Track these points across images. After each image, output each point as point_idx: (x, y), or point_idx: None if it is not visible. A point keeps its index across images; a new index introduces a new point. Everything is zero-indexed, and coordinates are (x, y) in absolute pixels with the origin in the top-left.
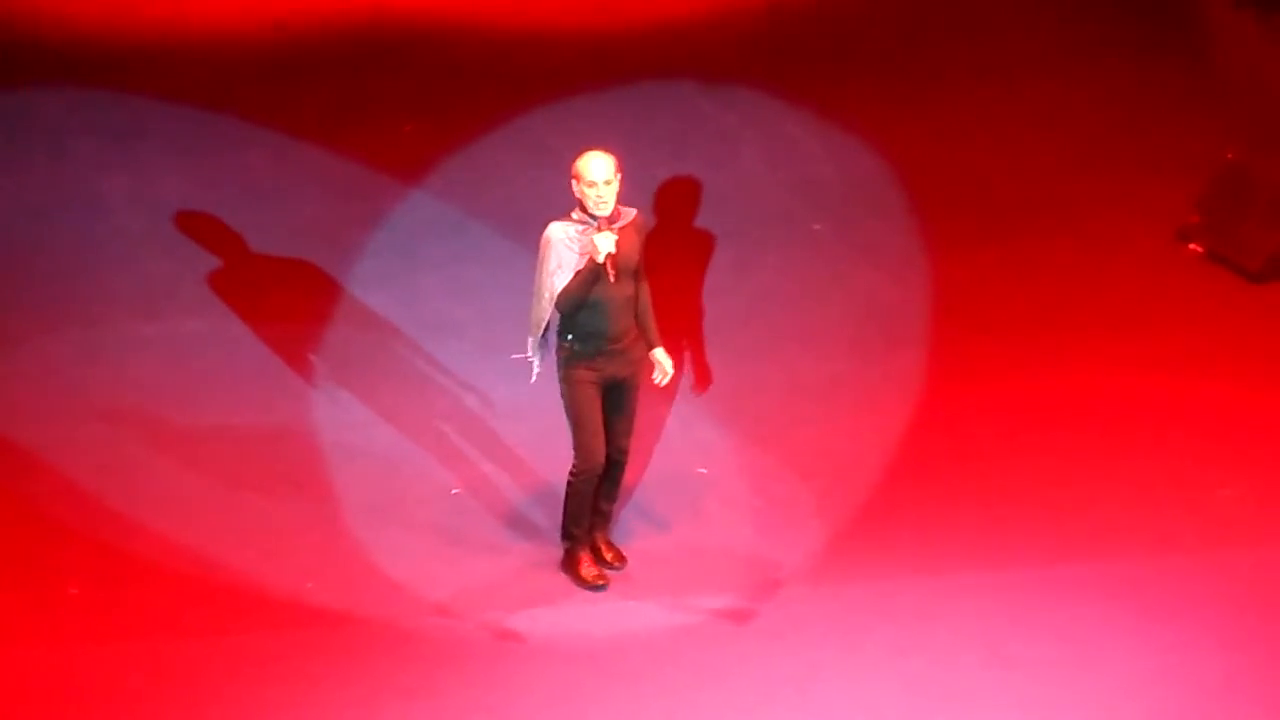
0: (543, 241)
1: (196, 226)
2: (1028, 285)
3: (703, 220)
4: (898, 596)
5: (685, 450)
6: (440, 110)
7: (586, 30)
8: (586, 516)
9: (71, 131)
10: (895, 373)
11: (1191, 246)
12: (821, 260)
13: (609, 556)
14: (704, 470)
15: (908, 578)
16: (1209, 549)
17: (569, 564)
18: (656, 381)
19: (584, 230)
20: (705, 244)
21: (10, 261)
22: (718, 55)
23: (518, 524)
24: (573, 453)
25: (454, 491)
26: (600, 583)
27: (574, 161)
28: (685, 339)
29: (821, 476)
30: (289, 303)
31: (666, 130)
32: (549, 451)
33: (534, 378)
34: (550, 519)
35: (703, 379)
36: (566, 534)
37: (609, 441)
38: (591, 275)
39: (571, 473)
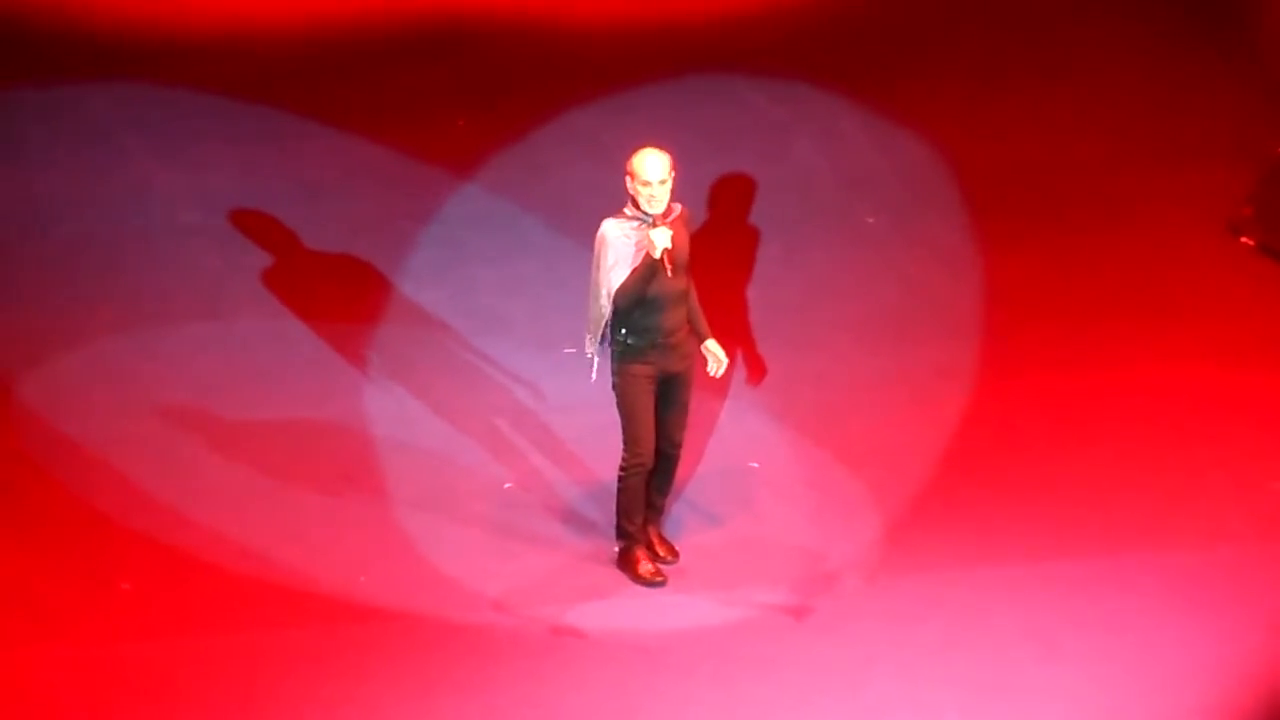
0: (598, 239)
1: (249, 221)
2: (1079, 277)
3: (755, 213)
4: (950, 589)
5: (738, 443)
6: (492, 105)
7: (637, 24)
8: (640, 512)
9: (122, 126)
10: (947, 365)
11: (1243, 239)
12: (874, 253)
13: (662, 551)
14: (756, 464)
15: (960, 570)
16: (1261, 541)
17: (625, 562)
18: (711, 373)
19: (638, 227)
20: (757, 237)
21: (62, 256)
22: (769, 48)
23: (570, 518)
24: (623, 447)
25: (506, 486)
26: (658, 579)
27: (629, 158)
28: (738, 332)
29: (874, 469)
30: (341, 297)
31: (718, 124)
32: (601, 446)
33: (594, 375)
34: (603, 513)
35: (756, 370)
36: (621, 531)
37: (662, 435)
38: (649, 271)
39: (622, 467)
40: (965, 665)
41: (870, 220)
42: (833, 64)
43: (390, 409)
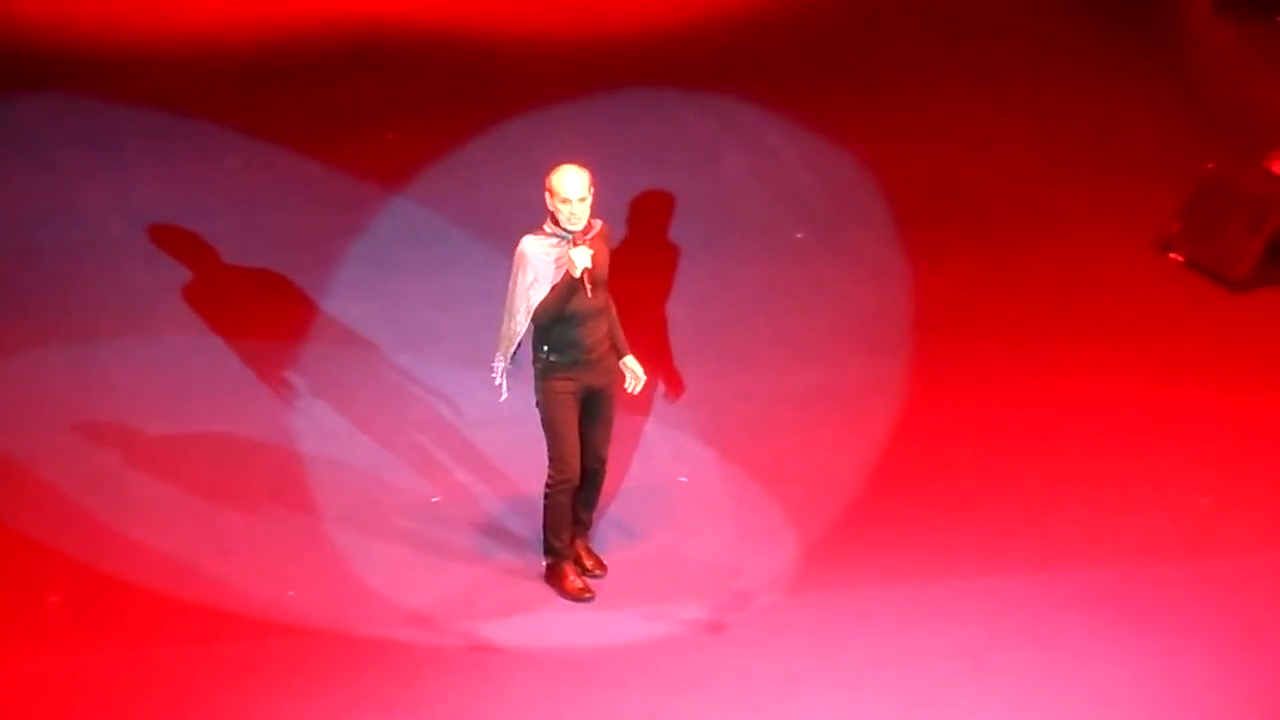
0: (517, 256)
1: (176, 235)
2: (1009, 293)
3: (684, 228)
4: (878, 605)
5: (665, 459)
6: (421, 118)
7: (567, 38)
8: (567, 528)
9: (51, 138)
10: (877, 381)
11: (1172, 255)
12: (803, 268)
13: (589, 564)
14: (684, 479)
15: (888, 586)
16: (1190, 557)
17: (554, 577)
18: (629, 389)
19: (558, 244)
20: (686, 252)
21: None
22: (699, 63)
23: (497, 533)
24: (548, 464)
25: (434, 500)
26: (586, 595)
27: (548, 175)
28: (664, 348)
29: (802, 485)
30: (268, 312)
31: (647, 138)
32: (528, 460)
33: (504, 396)
34: (528, 528)
35: (675, 387)
36: (549, 548)
37: (588, 451)
38: (568, 290)
39: (548, 484)
40: (894, 681)
41: (799, 235)
42: (761, 78)
43: (317, 424)
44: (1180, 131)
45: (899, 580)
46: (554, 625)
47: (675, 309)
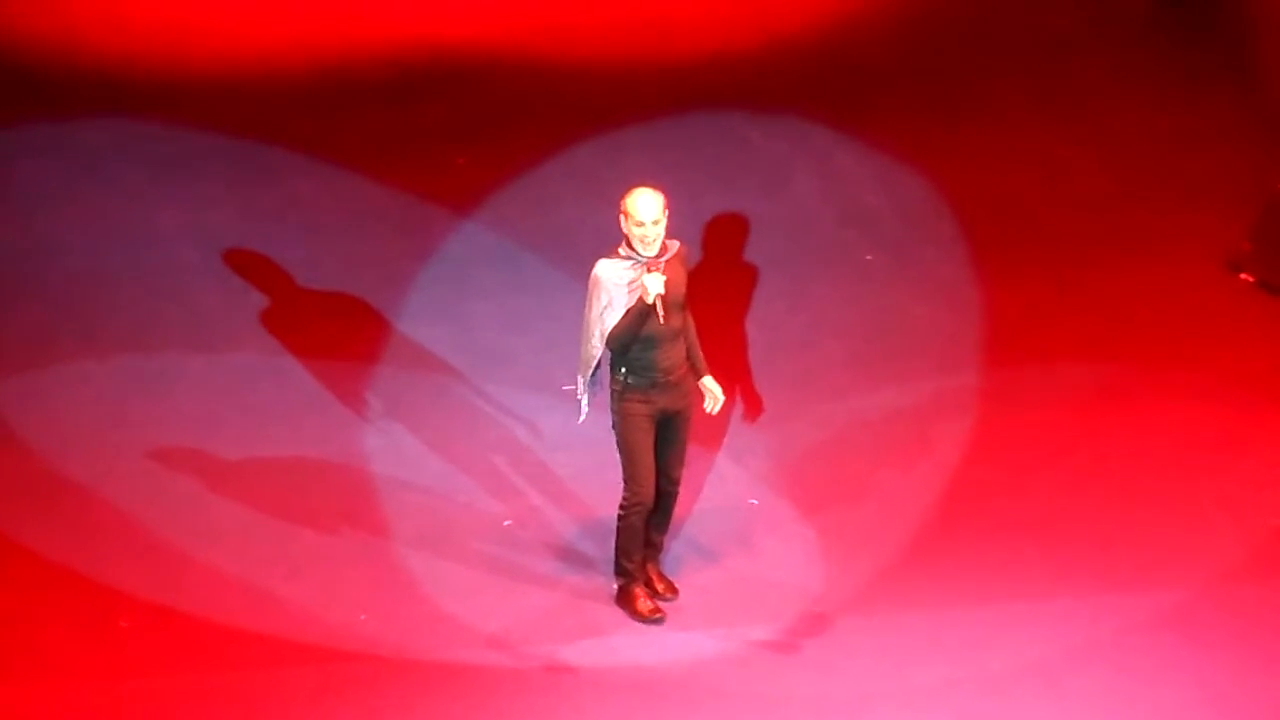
0: (591, 280)
1: (247, 259)
2: (1079, 314)
3: (753, 250)
4: (950, 627)
5: (736, 480)
6: (491, 142)
7: (635, 62)
8: (639, 550)
9: (123, 163)
10: (947, 402)
11: (1243, 275)
12: (873, 290)
13: (660, 587)
14: (755, 501)
15: (960, 608)
16: (1264, 578)
17: (624, 599)
18: (708, 410)
19: (632, 266)
20: (756, 274)
21: (63, 294)
22: (767, 85)
23: (569, 555)
24: (623, 485)
25: (506, 523)
26: (656, 616)
27: (623, 197)
28: (737, 369)
29: (873, 506)
30: (340, 335)
31: (716, 161)
32: (600, 483)
33: (582, 417)
34: (601, 550)
35: (754, 408)
36: (620, 569)
37: (661, 473)
38: (640, 315)
39: (622, 506)
40: (965, 703)
41: (868, 257)
42: (830, 100)
43: (389, 447)
44: (1250, 152)
45: (970, 602)
46: (626, 648)
47: (745, 330)
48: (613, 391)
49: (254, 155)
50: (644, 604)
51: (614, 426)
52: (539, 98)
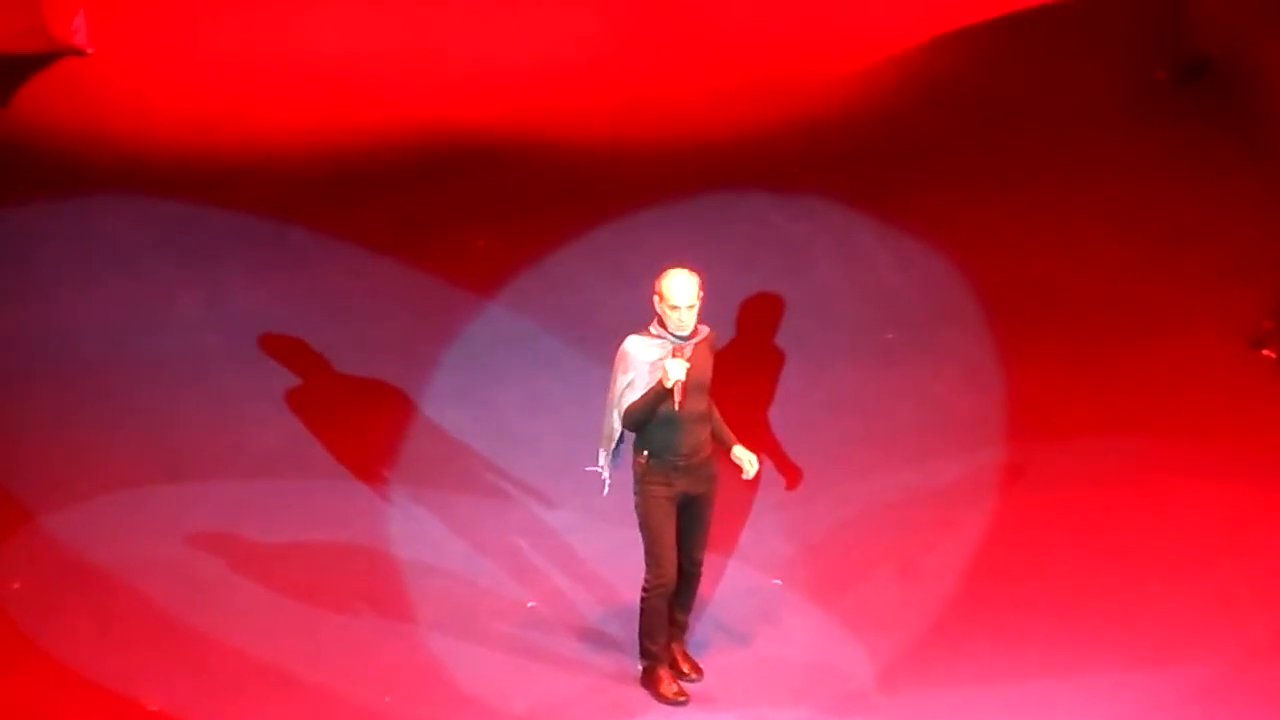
0: (619, 354)
1: (271, 343)
2: (1101, 392)
3: (775, 329)
4: (974, 705)
5: (760, 561)
6: (513, 224)
7: (656, 143)
8: (663, 632)
9: (143, 247)
10: (969, 481)
11: (1265, 352)
12: (894, 368)
13: (685, 668)
14: (778, 581)
15: (984, 686)
16: None
17: (649, 680)
18: (746, 476)
19: (662, 345)
20: (778, 353)
21: (86, 380)
22: (788, 166)
23: (594, 637)
24: (645, 568)
25: (530, 605)
26: (681, 699)
27: (658, 278)
28: (759, 447)
29: (896, 585)
30: (364, 418)
31: (738, 241)
32: (623, 564)
33: (605, 490)
34: (625, 632)
35: (790, 474)
36: (645, 652)
37: (684, 553)
38: (658, 397)
39: (645, 588)
40: None
41: (889, 335)
42: (851, 180)
43: (412, 530)
44: (1271, 228)
45: (994, 680)
46: None
47: (767, 410)
48: (635, 473)
49: (276, 239)
50: (668, 686)
51: (636, 508)
52: (560, 179)
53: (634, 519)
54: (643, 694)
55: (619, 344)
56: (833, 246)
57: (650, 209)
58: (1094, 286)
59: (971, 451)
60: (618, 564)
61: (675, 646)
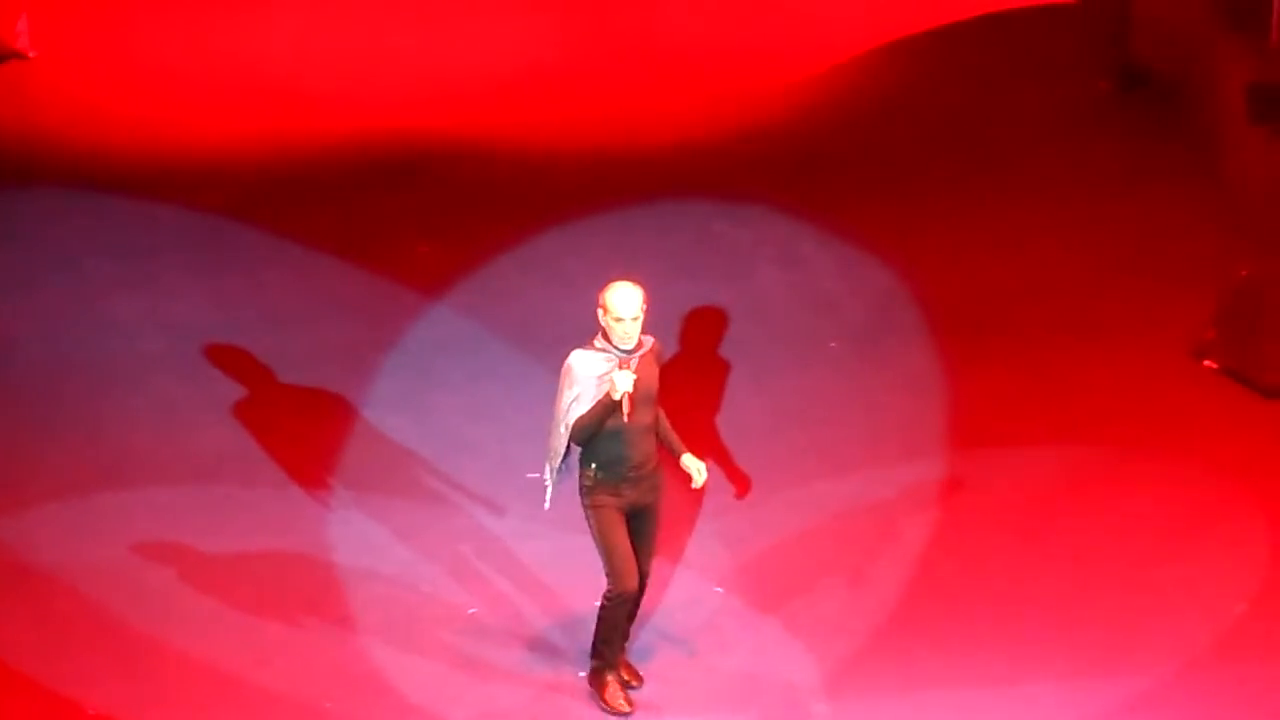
0: (564, 369)
1: (211, 349)
2: (1044, 402)
3: (718, 338)
4: (915, 714)
5: (702, 569)
6: (454, 231)
7: (599, 151)
8: (619, 641)
9: (83, 249)
10: (912, 490)
11: (1206, 363)
12: (837, 378)
13: (627, 675)
14: (720, 589)
15: (925, 693)
16: (1227, 664)
17: (596, 682)
18: (695, 486)
19: (607, 359)
20: (722, 362)
21: (26, 382)
22: (732, 174)
23: (536, 645)
24: (606, 579)
25: (471, 611)
26: (625, 710)
27: (602, 291)
28: (706, 451)
29: (838, 595)
30: (305, 424)
31: (681, 249)
32: (567, 571)
33: (547, 504)
34: (568, 639)
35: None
36: (596, 653)
37: None
38: (606, 409)
39: (606, 597)
40: None
41: (833, 344)
42: (795, 189)
43: (354, 535)
44: (1214, 239)
45: (935, 687)
46: None
47: (711, 418)
48: (582, 486)
49: (216, 244)
50: (613, 694)
51: (587, 519)
52: (504, 187)
53: (578, 525)
54: (584, 702)
55: (563, 351)
56: (776, 255)
57: (593, 216)
58: (1039, 296)
59: (915, 460)
60: (561, 570)
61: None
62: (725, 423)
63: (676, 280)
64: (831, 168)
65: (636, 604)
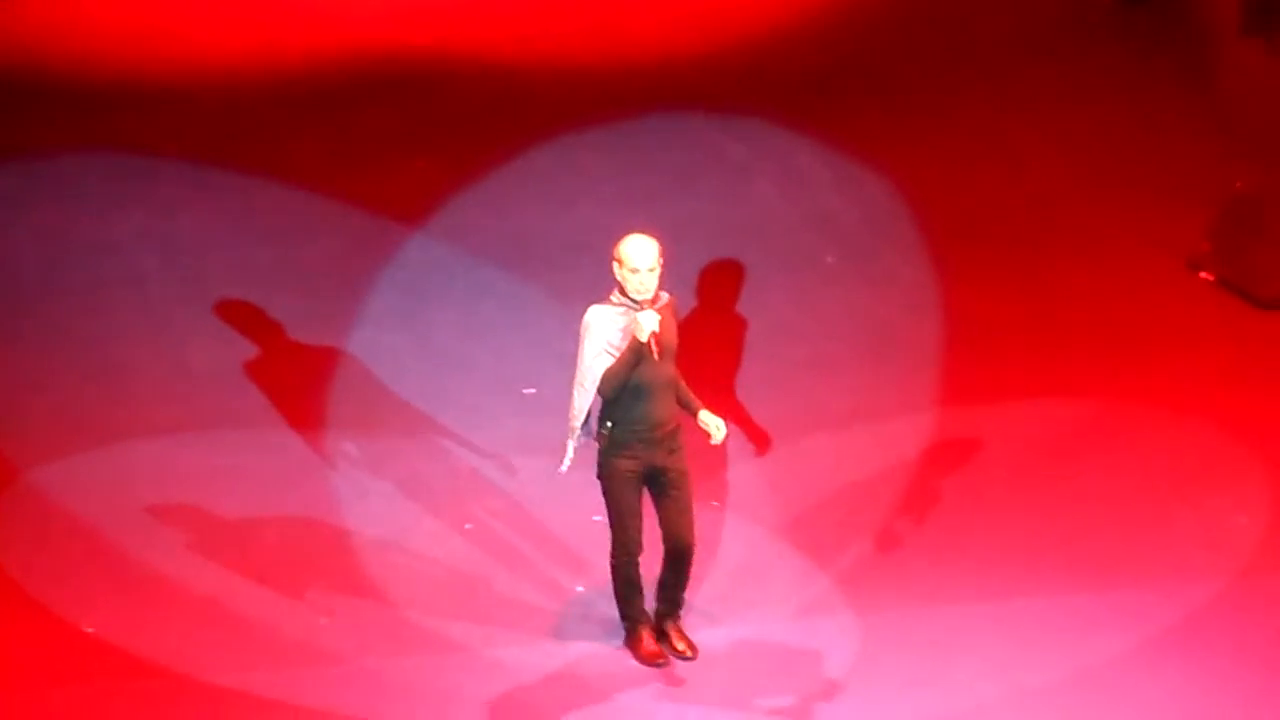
0: (583, 326)
1: (208, 266)
2: (1040, 312)
3: (713, 253)
4: (913, 628)
5: (698, 482)
6: (449, 146)
7: (592, 65)
8: (637, 594)
9: (81, 171)
10: (909, 402)
11: (1202, 274)
12: (834, 291)
13: (680, 646)
14: (716, 503)
15: (923, 609)
16: (1222, 576)
17: (631, 642)
18: (713, 442)
19: (625, 313)
20: (716, 277)
21: (23, 301)
22: (727, 87)
23: (531, 559)
24: (611, 539)
25: (467, 527)
26: (659, 661)
27: (617, 244)
28: (698, 377)
29: (836, 509)
30: (300, 342)
31: (676, 163)
32: (561, 489)
33: (566, 467)
34: (564, 553)
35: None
36: (623, 614)
37: (669, 535)
38: (635, 356)
39: (611, 557)
40: (930, 705)
41: (829, 259)
42: (790, 102)
43: (349, 450)
44: (1210, 151)
45: (933, 603)
46: (584, 654)
47: (707, 336)
48: (600, 445)
49: (214, 161)
50: (647, 646)
51: (599, 478)
52: (495, 102)
53: (567, 441)
54: (575, 610)
55: (556, 267)
56: (772, 168)
57: (587, 131)
58: (1033, 208)
59: (911, 373)
60: (554, 487)
61: (669, 624)
62: (721, 338)
63: (670, 194)
64: (826, 80)
65: (685, 573)
